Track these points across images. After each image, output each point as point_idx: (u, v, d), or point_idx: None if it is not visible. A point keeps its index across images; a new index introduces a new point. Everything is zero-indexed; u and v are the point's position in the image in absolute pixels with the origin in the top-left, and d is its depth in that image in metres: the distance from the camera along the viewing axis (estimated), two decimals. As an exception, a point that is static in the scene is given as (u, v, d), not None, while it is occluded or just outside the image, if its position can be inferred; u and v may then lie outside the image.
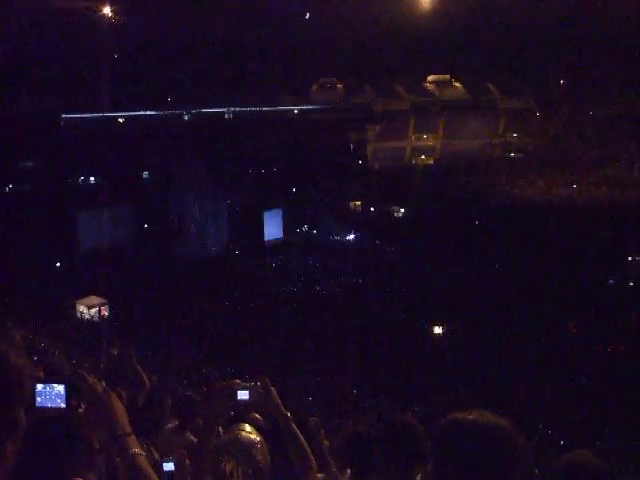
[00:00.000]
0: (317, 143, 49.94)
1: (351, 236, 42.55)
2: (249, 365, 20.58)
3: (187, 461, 2.69)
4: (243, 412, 3.70)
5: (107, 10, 45.18)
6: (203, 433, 2.75)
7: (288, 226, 43.48)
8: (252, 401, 2.66)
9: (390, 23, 45.00)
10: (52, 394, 1.85)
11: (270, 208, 42.71)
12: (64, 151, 44.04)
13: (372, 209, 46.49)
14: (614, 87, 48.75)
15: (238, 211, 43.47)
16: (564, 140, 52.77)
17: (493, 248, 34.97)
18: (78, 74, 46.18)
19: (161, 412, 4.90)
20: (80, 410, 2.02)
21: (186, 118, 52.37)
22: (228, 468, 2.63)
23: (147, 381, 5.82)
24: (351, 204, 46.98)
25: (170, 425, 5.22)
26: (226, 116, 53.30)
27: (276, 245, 41.58)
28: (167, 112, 51.96)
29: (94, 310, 28.14)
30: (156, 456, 3.77)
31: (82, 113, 49.32)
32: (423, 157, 56.80)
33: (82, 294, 29.17)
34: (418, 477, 2.92)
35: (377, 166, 53.99)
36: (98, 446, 2.12)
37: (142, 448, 1.89)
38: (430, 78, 58.56)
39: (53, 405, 1.85)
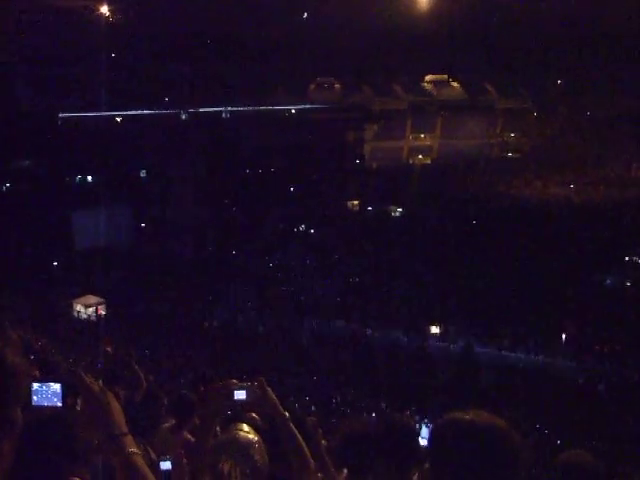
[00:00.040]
0: (315, 143, 49.93)
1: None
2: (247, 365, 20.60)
3: (184, 461, 2.69)
4: (240, 412, 3.69)
5: (105, 9, 45.17)
6: (200, 433, 2.75)
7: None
8: (249, 401, 2.65)
9: (388, 23, 44.93)
10: (49, 393, 1.84)
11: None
12: (61, 150, 43.97)
13: (369, 208, 46.51)
14: (611, 87, 48.81)
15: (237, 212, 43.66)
16: (561, 140, 52.84)
17: (490, 248, 34.99)
18: (75, 73, 46.10)
19: (158, 411, 4.90)
20: (77, 409, 2.01)
21: (183, 117, 52.31)
22: (226, 468, 2.62)
23: (144, 381, 5.82)
24: (349, 203, 47.01)
25: (167, 424, 5.22)
26: (223, 115, 53.25)
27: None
28: (163, 111, 51.90)
29: (91, 309, 28.16)
30: (153, 456, 3.76)
31: (79, 112, 49.21)
32: (420, 157, 56.85)
33: (79, 293, 29.21)
34: (415, 477, 2.92)
35: (374, 166, 54.00)
36: (95, 445, 2.12)
37: (139, 447, 1.88)
38: (428, 78, 58.55)
39: (50, 404, 1.85)
